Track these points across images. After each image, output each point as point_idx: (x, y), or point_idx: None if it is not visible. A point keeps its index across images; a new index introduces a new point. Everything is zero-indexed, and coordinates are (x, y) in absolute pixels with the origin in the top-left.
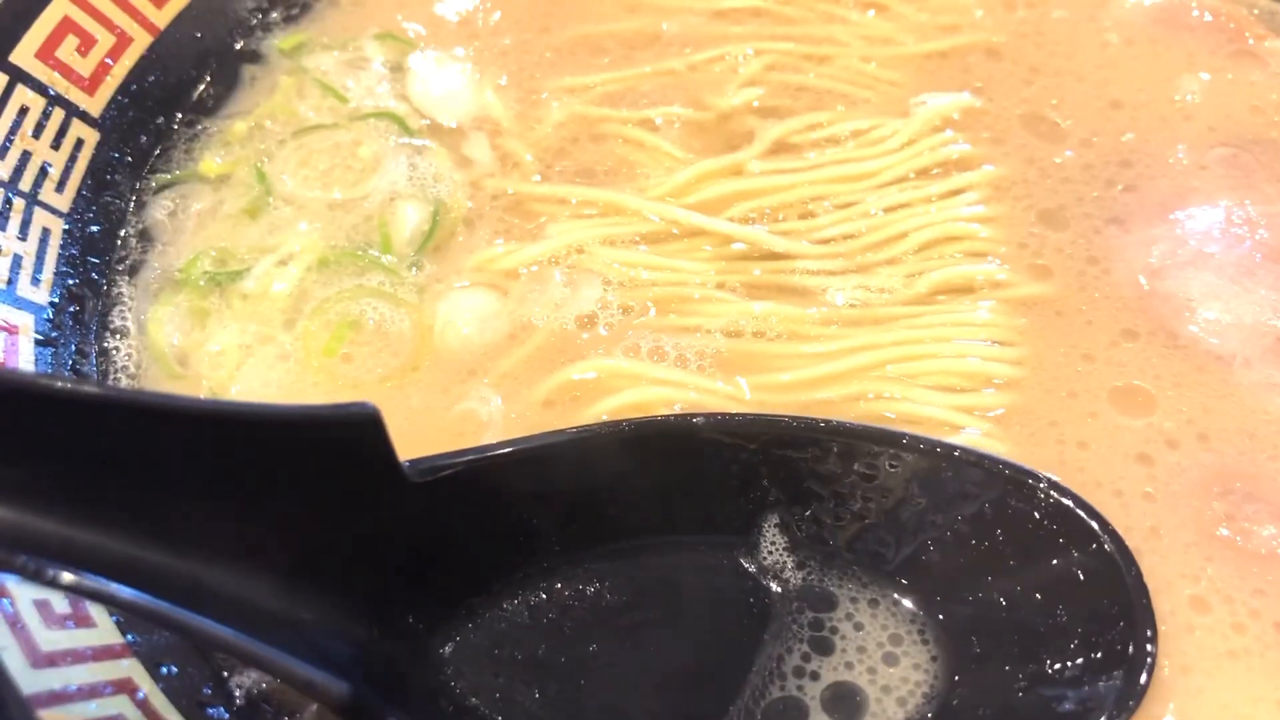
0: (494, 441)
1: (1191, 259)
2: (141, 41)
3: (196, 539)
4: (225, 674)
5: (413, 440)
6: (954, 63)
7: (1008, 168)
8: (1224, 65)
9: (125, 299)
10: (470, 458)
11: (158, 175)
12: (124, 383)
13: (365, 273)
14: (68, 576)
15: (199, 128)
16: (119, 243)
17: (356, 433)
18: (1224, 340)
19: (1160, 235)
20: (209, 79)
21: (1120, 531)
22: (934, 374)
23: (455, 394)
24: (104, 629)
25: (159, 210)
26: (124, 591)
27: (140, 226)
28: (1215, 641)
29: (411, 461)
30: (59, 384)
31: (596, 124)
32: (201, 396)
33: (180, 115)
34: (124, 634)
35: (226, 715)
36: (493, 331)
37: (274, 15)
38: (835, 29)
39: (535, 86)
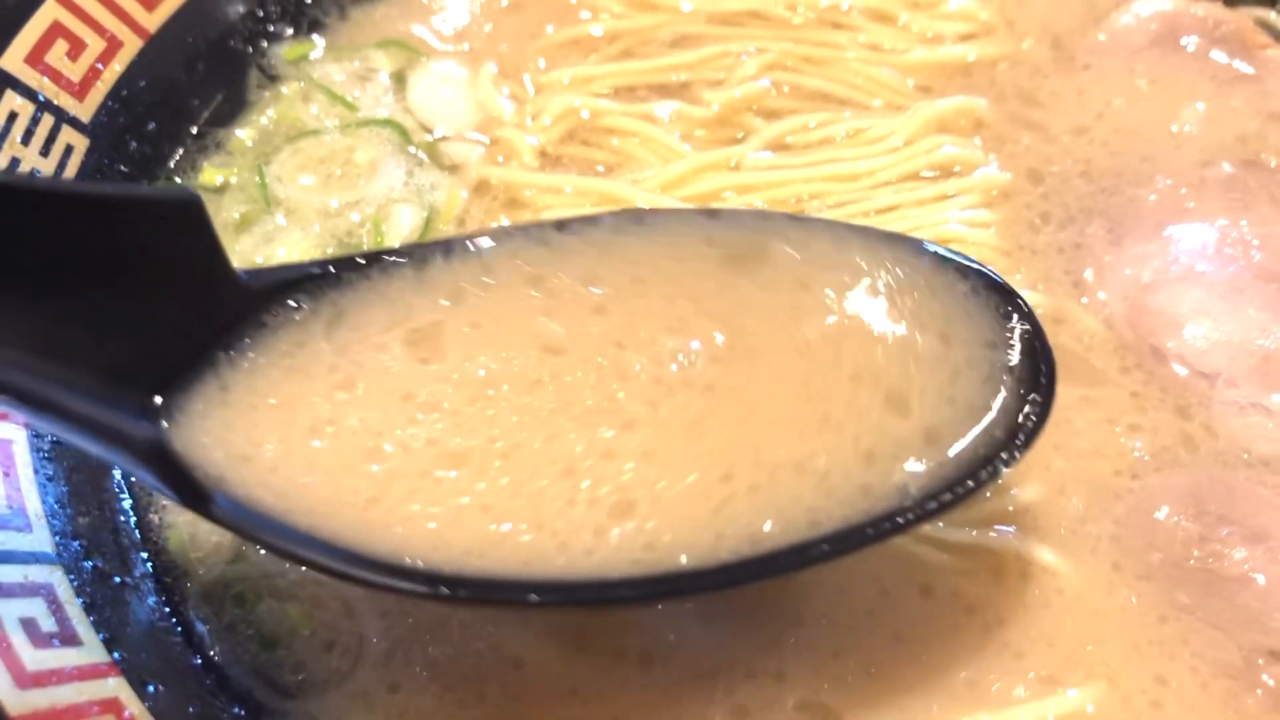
0: None
1: (1183, 275)
2: (132, 45)
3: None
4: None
5: None
6: (977, 78)
7: (1005, 174)
8: (1222, 91)
9: None
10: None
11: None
12: None
13: None
14: None
15: (203, 139)
16: None
17: (182, 217)
18: (1209, 357)
19: (1153, 251)
20: (220, 94)
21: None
22: None
23: None
24: (90, 647)
25: None
26: None
27: None
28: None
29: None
30: None
31: (595, 119)
32: None
33: (186, 126)
34: (110, 652)
35: None
36: None
37: (282, 28)
38: (841, 36)
39: (535, 83)
